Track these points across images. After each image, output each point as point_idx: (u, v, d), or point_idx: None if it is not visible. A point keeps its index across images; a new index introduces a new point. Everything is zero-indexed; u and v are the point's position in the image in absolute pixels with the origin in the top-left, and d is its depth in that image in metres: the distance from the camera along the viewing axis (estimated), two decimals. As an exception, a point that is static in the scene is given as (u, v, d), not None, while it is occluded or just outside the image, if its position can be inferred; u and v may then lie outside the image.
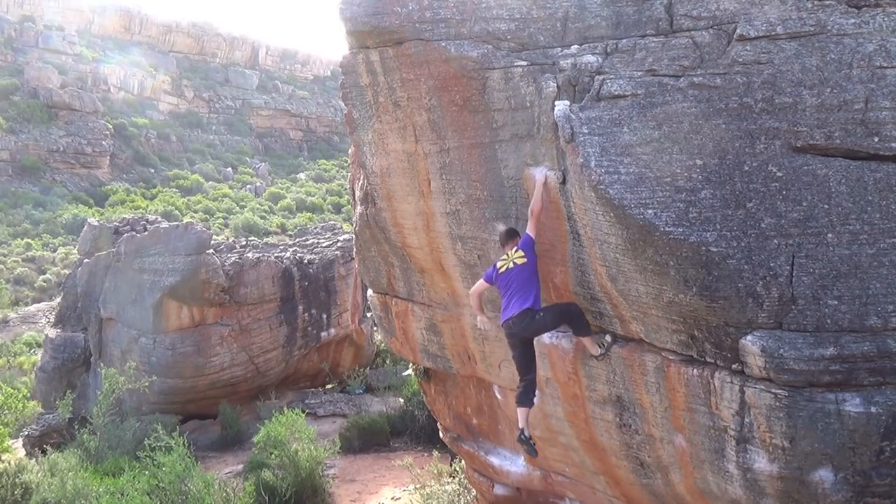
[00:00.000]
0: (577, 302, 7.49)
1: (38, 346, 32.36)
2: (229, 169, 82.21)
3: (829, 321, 5.70)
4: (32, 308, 44.03)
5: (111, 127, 76.81)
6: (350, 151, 10.34)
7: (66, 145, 71.46)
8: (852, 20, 6.28)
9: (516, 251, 7.45)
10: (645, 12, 7.02)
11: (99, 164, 73.71)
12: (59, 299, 29.79)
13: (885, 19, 6.24)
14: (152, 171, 77.37)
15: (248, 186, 77.00)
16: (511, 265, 7.46)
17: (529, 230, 7.38)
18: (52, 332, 25.87)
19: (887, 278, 5.67)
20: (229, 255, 22.86)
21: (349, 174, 10.87)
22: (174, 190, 71.81)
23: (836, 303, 5.69)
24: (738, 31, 6.42)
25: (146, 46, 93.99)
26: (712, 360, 6.37)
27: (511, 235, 7.64)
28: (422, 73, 7.92)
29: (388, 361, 26.88)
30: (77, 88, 78.04)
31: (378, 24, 8.01)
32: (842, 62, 6.11)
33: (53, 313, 29.59)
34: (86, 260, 25.87)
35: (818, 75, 6.10)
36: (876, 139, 5.90)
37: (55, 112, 74.27)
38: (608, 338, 7.36)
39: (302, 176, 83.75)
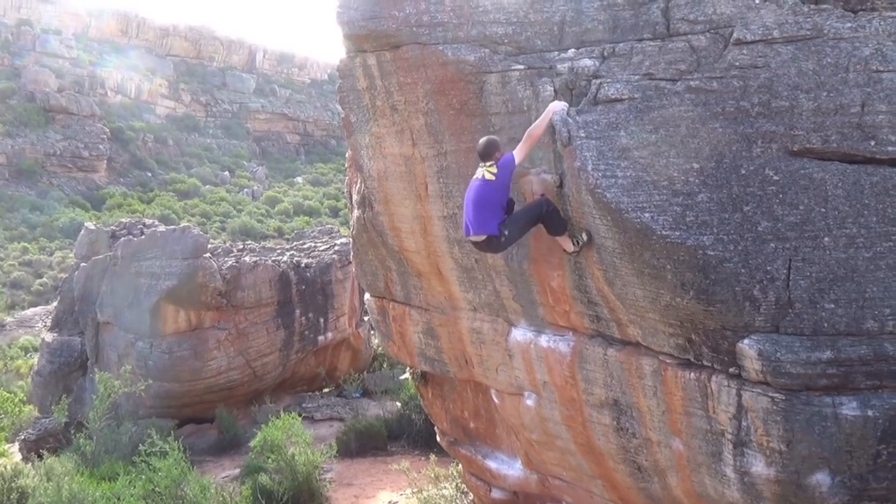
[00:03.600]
0: (552, 205, 7.08)
1: (35, 350, 32.28)
2: (226, 173, 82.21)
3: (825, 325, 5.70)
4: (29, 312, 43.94)
5: (108, 130, 76.74)
6: (347, 155, 10.34)
7: (62, 149, 71.39)
8: (848, 24, 6.30)
9: (491, 165, 6.93)
10: (642, 16, 7.04)
11: (96, 168, 73.65)
12: (55, 303, 29.75)
13: (881, 23, 6.26)
14: (149, 174, 77.32)
15: (245, 190, 76.99)
16: (479, 176, 7.01)
17: (516, 151, 6.87)
18: (48, 336, 25.80)
19: (884, 282, 5.68)
20: (226, 258, 22.82)
21: (346, 178, 10.87)
22: (171, 194, 71.76)
23: (832, 306, 5.70)
24: (734, 35, 6.44)
25: (143, 50, 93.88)
26: (709, 364, 6.37)
27: (490, 150, 7.00)
28: (419, 76, 7.93)
29: (385, 365, 26.84)
30: (74, 92, 78.01)
31: (375, 27, 8.02)
32: (838, 66, 6.12)
33: (50, 317, 29.52)
34: (83, 264, 25.81)
35: (815, 79, 6.11)
36: (872, 143, 5.91)
37: (52, 115, 74.24)
38: (585, 235, 6.87)
39: (299, 179, 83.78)
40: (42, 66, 79.88)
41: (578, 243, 6.98)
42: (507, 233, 6.95)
